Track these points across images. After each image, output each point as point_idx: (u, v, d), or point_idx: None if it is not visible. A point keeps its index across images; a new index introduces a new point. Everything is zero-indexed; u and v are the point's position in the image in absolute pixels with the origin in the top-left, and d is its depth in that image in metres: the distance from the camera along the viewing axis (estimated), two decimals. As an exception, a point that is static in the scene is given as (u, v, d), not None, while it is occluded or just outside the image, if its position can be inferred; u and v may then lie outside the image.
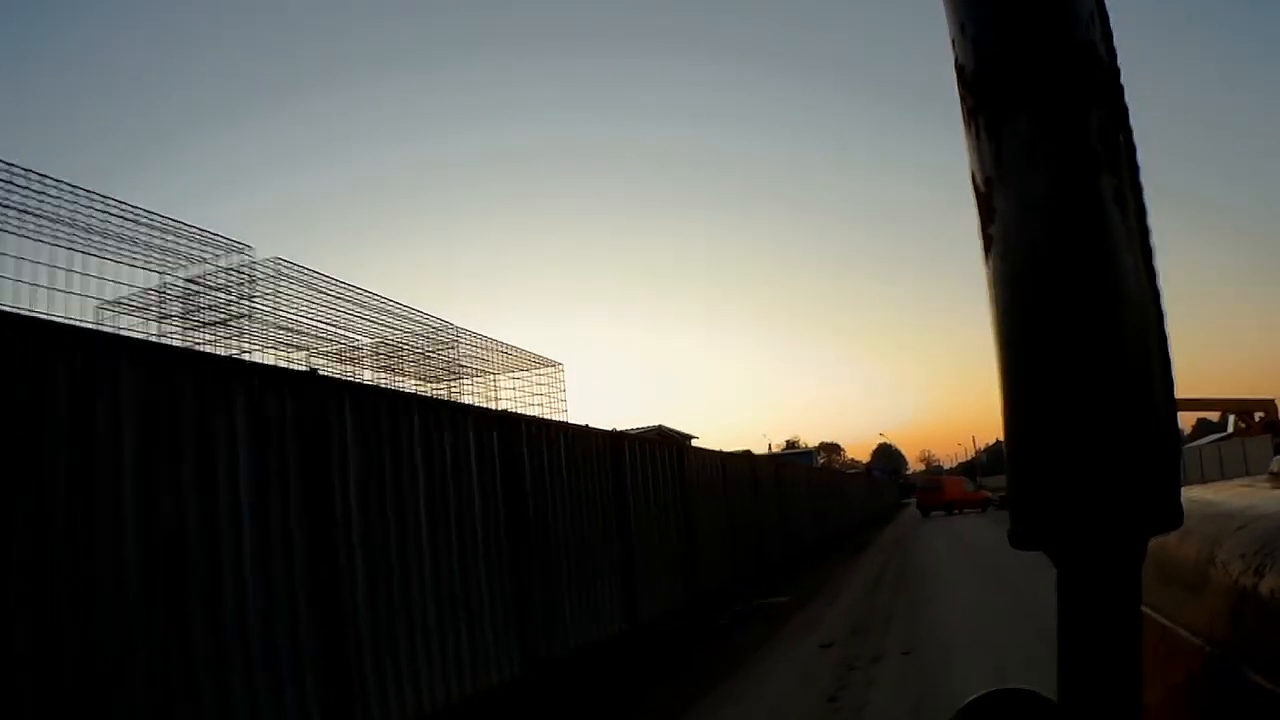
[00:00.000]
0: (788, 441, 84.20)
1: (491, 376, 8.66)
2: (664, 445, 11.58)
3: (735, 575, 13.00)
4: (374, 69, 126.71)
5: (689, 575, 10.82)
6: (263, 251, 5.81)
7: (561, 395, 8.94)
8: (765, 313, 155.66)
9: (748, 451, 19.21)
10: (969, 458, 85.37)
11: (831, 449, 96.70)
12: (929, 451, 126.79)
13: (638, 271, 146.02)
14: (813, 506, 22.32)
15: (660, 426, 28.19)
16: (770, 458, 22.00)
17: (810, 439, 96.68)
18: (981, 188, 0.48)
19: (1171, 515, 0.44)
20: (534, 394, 8.80)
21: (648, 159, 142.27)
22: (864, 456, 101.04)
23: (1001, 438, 0.48)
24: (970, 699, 0.52)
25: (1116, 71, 0.47)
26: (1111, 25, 0.48)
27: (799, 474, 22.01)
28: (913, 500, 67.84)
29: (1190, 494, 0.67)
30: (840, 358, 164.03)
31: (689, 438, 29.43)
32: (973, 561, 16.27)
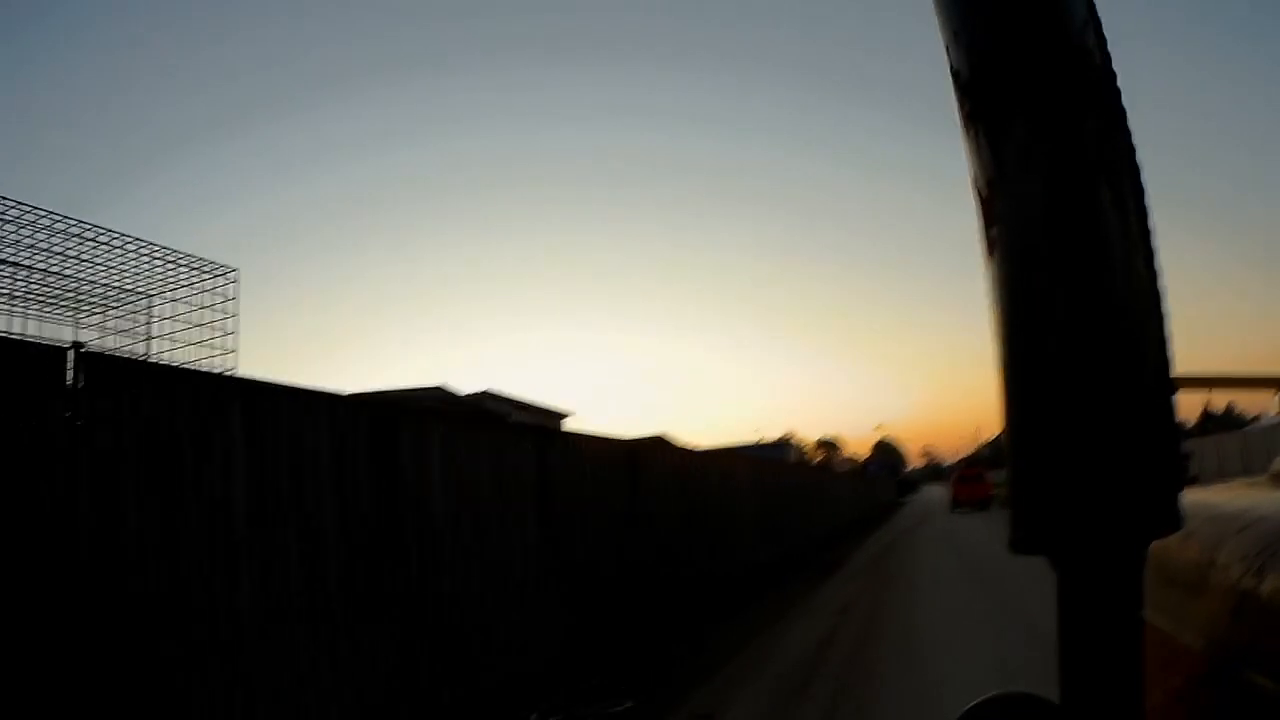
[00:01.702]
0: (784, 437, 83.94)
1: (146, 297, 5.81)
2: (342, 407, 5.16)
3: (556, 651, 7.29)
4: (355, 78, 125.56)
5: (402, 677, 5.26)
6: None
7: (230, 312, 5.69)
8: (764, 310, 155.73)
9: (655, 439, 13.56)
10: (971, 452, 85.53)
11: (830, 445, 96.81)
12: (930, 447, 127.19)
13: (632, 272, 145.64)
14: (766, 515, 16.34)
15: (486, 393, 18.23)
16: (691, 451, 13.90)
17: (809, 436, 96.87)
18: (982, 191, 0.49)
19: (1172, 518, 0.45)
20: (194, 318, 5.62)
21: (641, 162, 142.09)
22: (864, 453, 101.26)
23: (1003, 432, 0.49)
24: (972, 704, 0.53)
25: (1112, 74, 0.48)
26: (1104, 28, 0.49)
27: (742, 472, 15.33)
28: (911, 499, 66.29)
29: (1191, 496, 0.68)
30: (840, 355, 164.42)
31: (558, 416, 21.63)
32: (992, 609, 9.48)
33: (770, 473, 18.87)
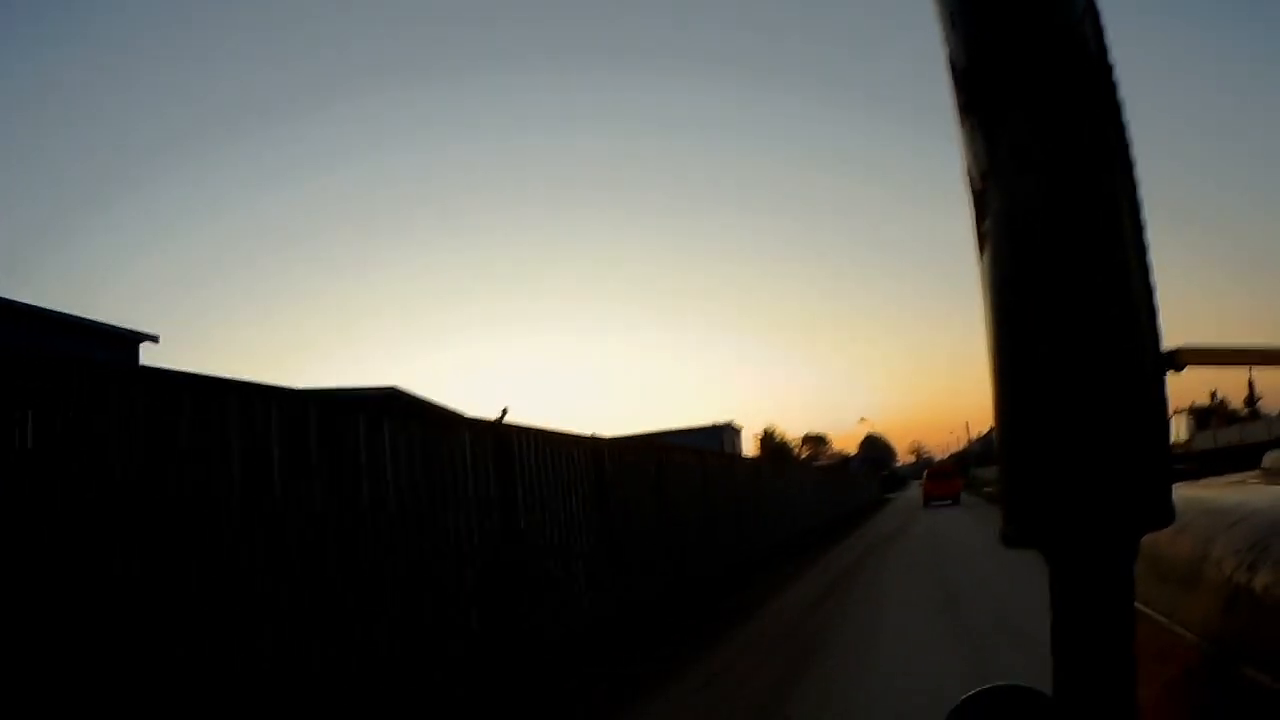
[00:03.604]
0: (765, 431, 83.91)
1: None
2: None
3: None
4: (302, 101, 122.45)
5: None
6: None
7: None
8: (751, 307, 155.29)
9: (383, 393, 9.05)
10: (960, 448, 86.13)
11: (817, 441, 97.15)
12: (920, 443, 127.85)
13: (612, 270, 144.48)
14: (620, 533, 9.81)
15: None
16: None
17: (796, 431, 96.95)
18: (975, 184, 0.50)
19: (1164, 512, 0.47)
20: None
21: (625, 166, 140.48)
22: (853, 448, 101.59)
23: (994, 427, 0.51)
24: (967, 695, 0.55)
25: (1110, 67, 0.49)
26: (1103, 20, 0.50)
27: (575, 462, 9.11)
28: (897, 496, 67.29)
29: (1183, 491, 0.70)
30: (830, 352, 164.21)
31: (123, 337, 17.16)
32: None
33: (634, 463, 10.92)
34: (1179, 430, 27.30)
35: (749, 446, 71.72)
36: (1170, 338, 0.50)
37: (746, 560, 15.57)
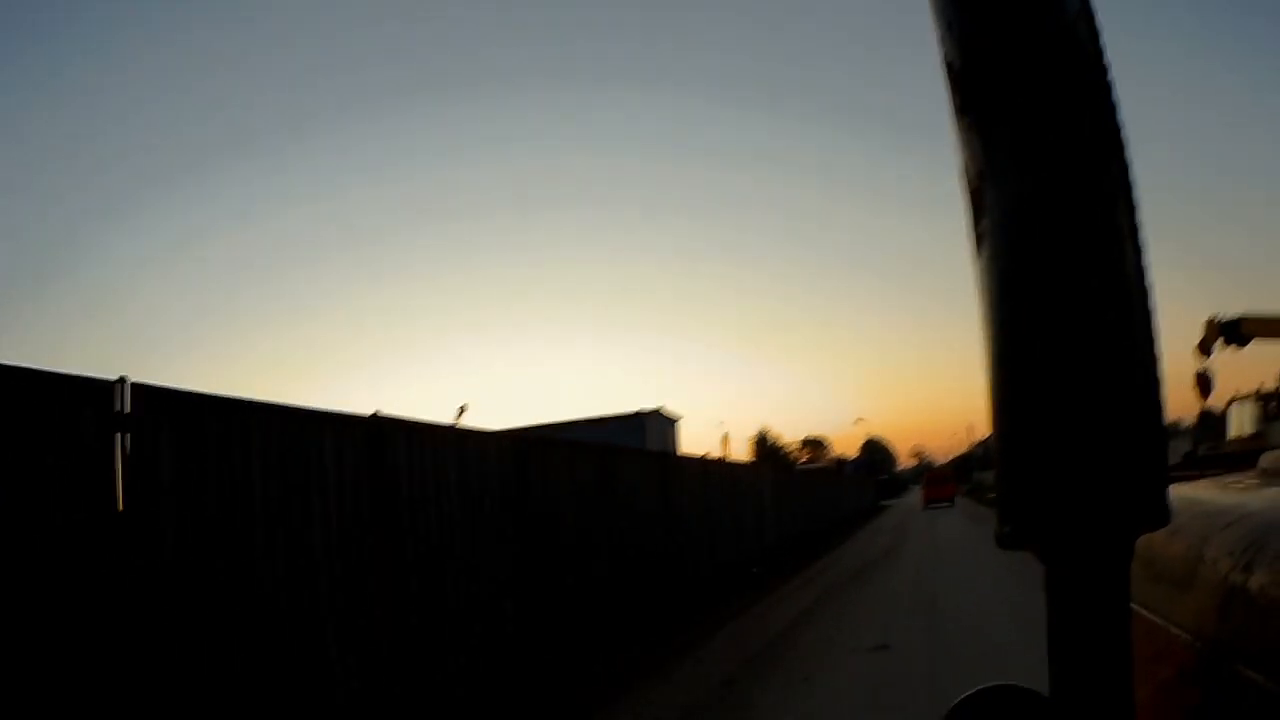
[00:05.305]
0: (759, 433, 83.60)
1: None
2: None
3: None
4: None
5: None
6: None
7: None
8: (753, 309, 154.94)
9: None
10: (963, 451, 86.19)
11: (816, 444, 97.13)
12: (921, 446, 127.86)
13: (615, 276, 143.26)
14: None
15: None
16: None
17: (795, 435, 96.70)
18: (971, 184, 0.51)
19: (1159, 513, 0.48)
20: None
21: (619, 180, 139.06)
22: (854, 452, 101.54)
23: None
24: (963, 695, 0.56)
25: (1105, 66, 0.50)
26: (1098, 19, 0.51)
27: None
28: (894, 503, 67.50)
29: (1178, 492, 0.71)
30: (830, 355, 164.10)
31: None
32: None
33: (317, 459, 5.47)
34: (1242, 422, 19.96)
35: (742, 450, 71.12)
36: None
37: (597, 633, 9.28)
